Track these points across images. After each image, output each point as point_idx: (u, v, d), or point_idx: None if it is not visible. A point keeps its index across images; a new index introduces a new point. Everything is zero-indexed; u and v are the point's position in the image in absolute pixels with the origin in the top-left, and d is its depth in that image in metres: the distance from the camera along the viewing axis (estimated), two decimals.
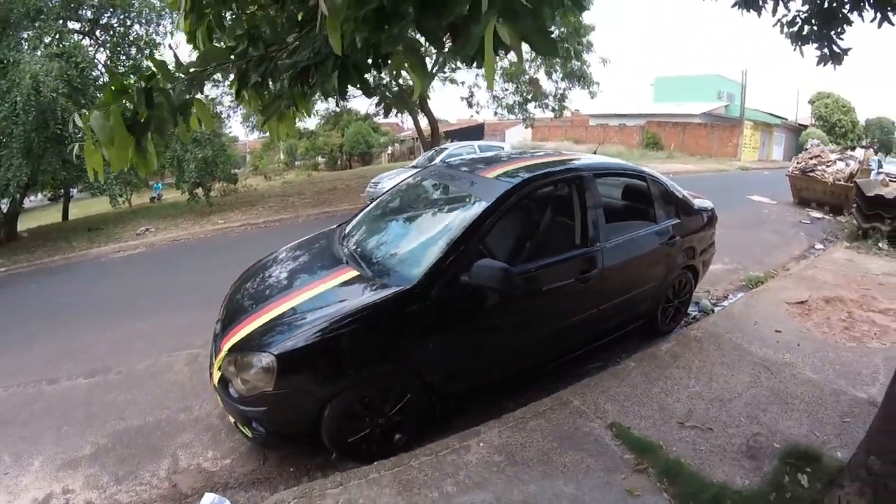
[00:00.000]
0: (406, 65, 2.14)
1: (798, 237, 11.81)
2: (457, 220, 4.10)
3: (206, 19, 2.63)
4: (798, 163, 16.61)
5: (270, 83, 2.61)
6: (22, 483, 4.04)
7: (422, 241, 4.20)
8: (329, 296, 3.80)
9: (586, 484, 3.33)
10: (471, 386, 4.16)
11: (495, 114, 22.88)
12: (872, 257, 9.83)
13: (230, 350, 3.61)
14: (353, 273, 4.01)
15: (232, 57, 2.50)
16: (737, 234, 10.84)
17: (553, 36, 1.87)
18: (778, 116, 46.74)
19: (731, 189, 19.06)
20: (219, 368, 3.70)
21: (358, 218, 5.23)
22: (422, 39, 2.08)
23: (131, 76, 14.87)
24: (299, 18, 2.67)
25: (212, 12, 2.63)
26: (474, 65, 1.85)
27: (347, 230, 5.00)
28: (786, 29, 4.77)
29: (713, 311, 6.60)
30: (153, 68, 2.25)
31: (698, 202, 6.02)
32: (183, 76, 2.32)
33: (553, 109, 21.88)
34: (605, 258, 4.55)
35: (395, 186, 5.70)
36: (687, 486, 3.31)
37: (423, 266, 3.73)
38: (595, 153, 6.49)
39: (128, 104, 2.17)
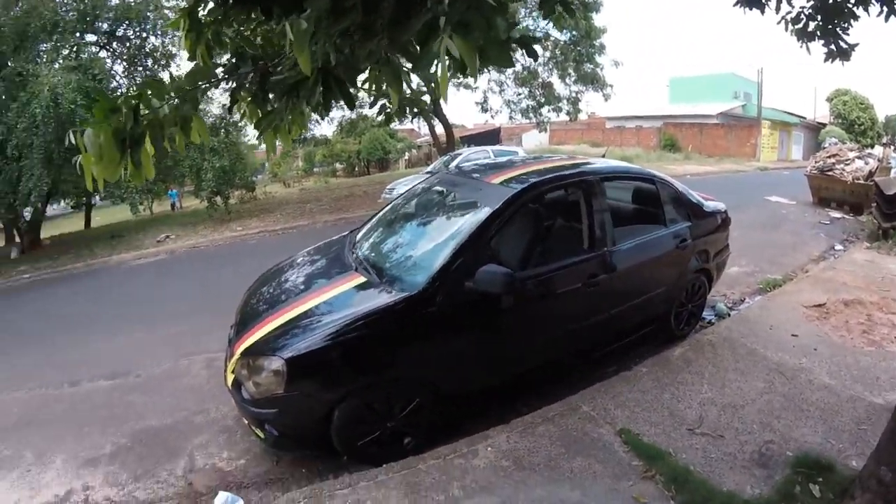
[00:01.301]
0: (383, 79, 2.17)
1: (817, 238, 11.64)
2: (462, 226, 4.11)
3: (204, 38, 2.70)
4: (816, 162, 16.34)
5: (272, 97, 2.68)
6: (44, 479, 4.17)
7: (427, 247, 4.22)
8: (337, 301, 3.86)
9: (593, 490, 3.32)
10: (479, 389, 4.17)
11: (510, 118, 22.84)
12: (893, 258, 9.65)
13: (243, 353, 3.69)
14: (361, 279, 4.06)
15: (220, 75, 2.59)
16: (754, 236, 10.74)
17: (509, 45, 1.94)
18: (796, 115, 46.04)
19: (749, 190, 18.88)
20: (232, 371, 3.78)
21: (368, 224, 5.29)
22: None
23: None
24: None
25: (209, 31, 2.69)
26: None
27: (358, 236, 5.06)
28: (791, 26, 4.67)
29: (729, 314, 6.51)
30: (146, 87, 2.34)
31: (711, 204, 5.95)
32: (173, 94, 2.39)
33: (567, 113, 21.82)
34: (614, 262, 4.54)
35: (404, 193, 5.74)
36: (695, 495, 3.28)
37: (428, 272, 3.76)
38: (604, 157, 6.35)
39: (121, 120, 2.24)
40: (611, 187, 4.88)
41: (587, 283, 4.36)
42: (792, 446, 3.79)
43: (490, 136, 45.13)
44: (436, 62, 1.67)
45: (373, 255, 4.52)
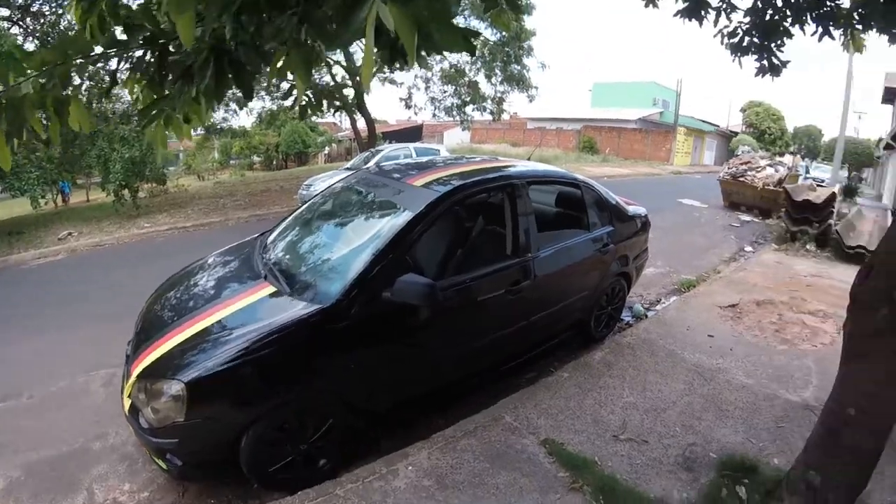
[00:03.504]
0: (291, 64, 1.88)
1: (728, 240, 12.17)
2: (380, 231, 3.89)
3: (97, 8, 2.29)
4: (729, 168, 17.26)
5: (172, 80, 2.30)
6: None
7: (342, 254, 3.98)
8: (244, 314, 3.56)
9: None
10: (397, 403, 3.98)
11: (434, 115, 22.63)
12: (800, 259, 10.22)
13: (139, 376, 3.35)
14: (271, 289, 3.77)
15: (99, 49, 2.19)
16: (669, 238, 11.02)
17: (457, 25, 1.55)
18: (710, 123, 49.21)
19: (663, 193, 19.59)
20: (128, 396, 3.44)
21: (281, 227, 4.98)
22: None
23: None
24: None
25: (105, 1, 2.30)
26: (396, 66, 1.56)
27: (269, 240, 4.75)
28: (726, 40, 4.81)
29: (646, 316, 6.60)
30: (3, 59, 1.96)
31: (632, 208, 6.00)
32: (32, 71, 2.01)
33: (491, 112, 21.76)
34: (537, 268, 4.43)
35: (320, 193, 5.46)
36: None
37: (343, 282, 3.52)
38: (529, 159, 6.22)
39: None
40: (535, 191, 4.81)
41: (510, 290, 4.24)
42: (715, 447, 3.82)
43: (412, 133, 45.75)
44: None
45: (284, 261, 4.24)
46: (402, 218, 3.85)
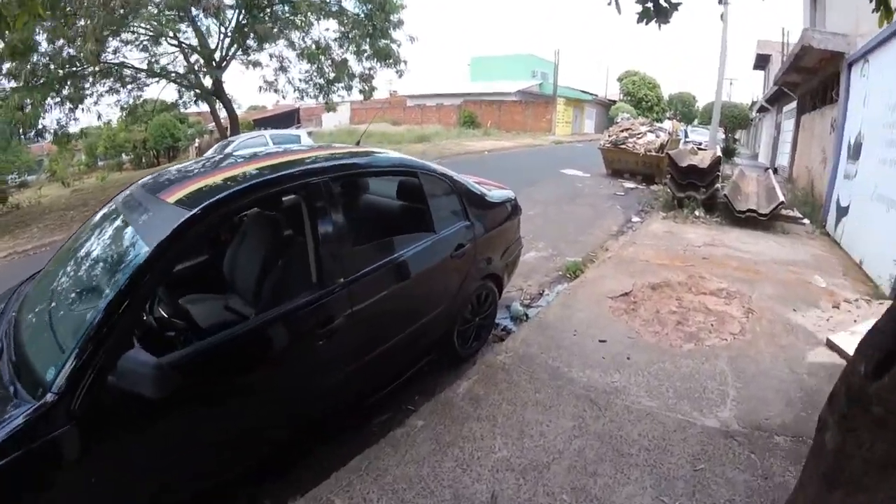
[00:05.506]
0: None
1: (613, 210, 11.68)
2: (110, 283, 2.49)
3: None
4: (610, 136, 17.08)
5: None
6: None
7: (68, 321, 2.56)
8: None
9: None
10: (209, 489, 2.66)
11: (301, 98, 20.97)
12: (690, 226, 9.76)
13: None
14: None
15: None
16: (551, 212, 10.32)
17: None
18: (589, 93, 50.99)
19: (544, 163, 19.35)
20: None
21: (42, 271, 3.38)
22: None
23: None
24: None
25: None
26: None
27: (28, 289, 3.20)
28: None
29: (526, 316, 5.51)
30: None
31: (496, 193, 4.83)
32: None
33: (361, 91, 20.33)
34: (355, 296, 3.15)
35: (86, 222, 3.78)
36: None
37: (60, 366, 2.15)
38: (359, 143, 4.75)
39: None
40: (355, 188, 3.77)
41: (320, 332, 2.96)
42: None
43: (288, 118, 43.92)
44: None
45: (17, 330, 2.71)
46: (136, 258, 2.47)
